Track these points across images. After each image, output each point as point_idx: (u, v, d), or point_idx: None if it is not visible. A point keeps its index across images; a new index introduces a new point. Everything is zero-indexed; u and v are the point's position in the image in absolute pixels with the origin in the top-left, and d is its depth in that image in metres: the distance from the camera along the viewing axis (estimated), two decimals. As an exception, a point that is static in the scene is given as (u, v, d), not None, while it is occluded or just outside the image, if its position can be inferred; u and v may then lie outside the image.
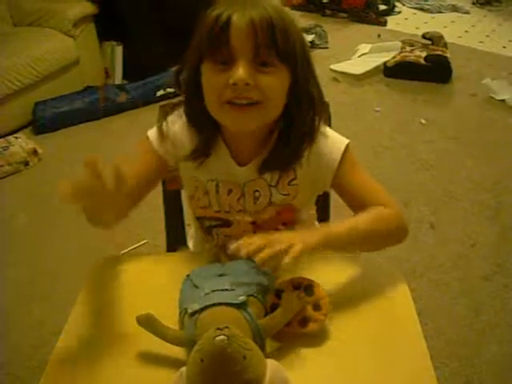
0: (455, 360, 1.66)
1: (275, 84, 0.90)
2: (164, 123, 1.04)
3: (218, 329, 0.70)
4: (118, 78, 3.50)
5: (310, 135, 0.99)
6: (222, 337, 0.69)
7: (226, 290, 0.83)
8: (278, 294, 0.87)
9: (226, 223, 1.09)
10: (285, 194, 1.04)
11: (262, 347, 0.80)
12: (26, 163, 2.75)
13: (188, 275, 0.91)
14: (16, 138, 2.83)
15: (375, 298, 0.95)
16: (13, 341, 1.79)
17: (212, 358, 0.69)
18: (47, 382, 0.82)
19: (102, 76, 3.47)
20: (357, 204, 1.01)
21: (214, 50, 0.89)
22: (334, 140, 1.03)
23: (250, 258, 0.91)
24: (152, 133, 1.06)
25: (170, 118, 1.05)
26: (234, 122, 0.94)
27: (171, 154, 1.04)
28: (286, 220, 1.09)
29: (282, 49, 0.88)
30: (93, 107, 3.12)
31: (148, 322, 0.82)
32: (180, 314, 0.87)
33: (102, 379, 0.82)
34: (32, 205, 2.49)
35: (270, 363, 0.74)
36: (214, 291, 0.83)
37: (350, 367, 0.82)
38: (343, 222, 0.95)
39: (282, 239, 0.84)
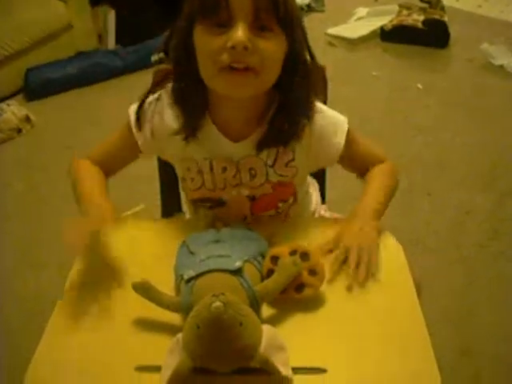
0: (450, 327, 1.67)
1: (273, 50, 0.88)
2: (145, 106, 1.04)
3: (214, 295, 0.70)
4: (110, 43, 3.44)
5: (307, 106, 0.97)
6: (217, 303, 0.69)
7: (222, 256, 0.83)
8: (274, 260, 0.87)
9: (221, 203, 1.06)
10: (282, 175, 1.02)
11: (258, 313, 0.80)
12: (19, 130, 2.72)
13: (184, 241, 0.91)
14: (8, 105, 2.80)
15: (371, 264, 0.94)
16: (9, 309, 1.80)
17: (208, 324, 0.70)
18: (43, 350, 0.82)
19: (94, 41, 3.41)
20: (359, 169, 1.11)
21: (210, 11, 0.85)
22: (334, 120, 1.03)
23: (244, 224, 0.92)
24: (132, 114, 1.05)
25: (149, 101, 1.04)
26: (229, 87, 0.90)
27: (148, 145, 1.04)
28: (285, 197, 1.08)
29: (282, 13, 0.85)
30: (85, 73, 3.07)
31: (144, 289, 0.82)
32: (176, 280, 0.87)
33: (98, 346, 0.82)
34: (26, 172, 2.47)
35: (266, 329, 0.75)
36: (209, 257, 0.83)
37: (345, 333, 0.83)
38: (367, 194, 1.03)
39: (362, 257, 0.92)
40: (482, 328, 1.67)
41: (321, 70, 1.13)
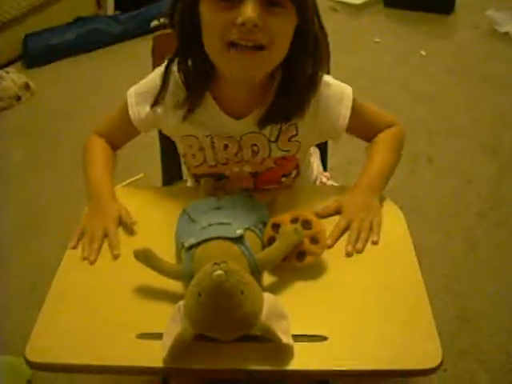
0: (450, 294, 1.68)
1: (284, 27, 0.85)
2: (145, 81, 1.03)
3: (216, 263, 0.70)
4: (109, 9, 3.39)
5: (314, 82, 0.95)
6: (219, 272, 0.69)
7: (223, 223, 0.83)
8: (276, 227, 0.87)
9: (223, 178, 1.06)
10: (285, 150, 1.01)
11: (259, 281, 0.80)
12: (19, 98, 2.70)
13: (184, 209, 0.91)
14: (7, 72, 2.77)
15: (372, 230, 0.94)
16: (12, 277, 1.81)
17: (209, 292, 0.70)
18: (44, 317, 0.82)
19: (93, 6, 3.36)
20: (367, 135, 1.10)
21: None
22: (338, 91, 1.01)
23: (245, 191, 0.91)
24: (130, 96, 1.03)
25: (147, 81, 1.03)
26: (237, 67, 0.86)
27: (147, 121, 1.03)
28: (288, 171, 1.07)
29: None
30: (85, 39, 3.04)
31: (145, 257, 0.82)
32: (177, 247, 0.87)
33: (99, 314, 0.82)
34: (26, 141, 2.46)
35: (267, 297, 0.75)
36: (210, 225, 0.83)
37: (346, 300, 0.83)
38: (371, 166, 1.03)
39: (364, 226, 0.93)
40: (482, 296, 1.67)
41: (328, 50, 1.09)
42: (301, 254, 0.85)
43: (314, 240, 0.85)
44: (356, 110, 1.02)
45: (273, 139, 0.99)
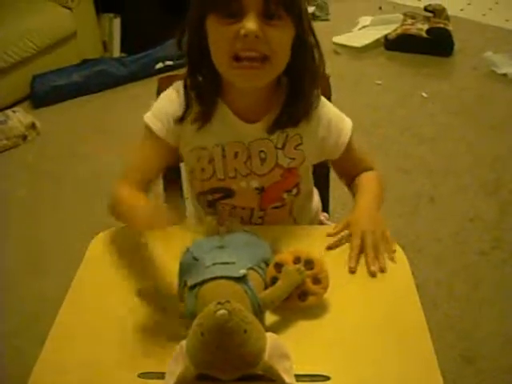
0: (452, 333, 1.67)
1: (282, 37, 0.92)
2: (158, 101, 1.07)
3: (219, 303, 0.70)
4: (116, 51, 3.46)
5: (315, 89, 1.03)
6: (222, 311, 0.69)
7: (227, 263, 0.83)
8: (278, 267, 0.87)
9: (230, 193, 1.08)
10: (291, 158, 1.06)
11: (262, 320, 0.80)
12: (25, 137, 2.74)
13: (187, 248, 0.91)
14: (14, 111, 2.81)
15: (374, 271, 0.95)
16: (13, 313, 1.81)
17: (213, 331, 0.69)
18: (47, 354, 0.82)
19: (99, 49, 3.43)
20: (348, 174, 1.17)
21: (222, 4, 0.89)
22: (340, 116, 1.09)
23: (247, 230, 0.92)
24: (148, 117, 1.05)
25: (163, 95, 1.07)
26: (243, 80, 0.95)
27: (172, 133, 1.05)
28: (290, 186, 1.10)
29: (289, 2, 0.90)
30: (91, 81, 3.09)
31: (148, 295, 0.83)
32: (179, 286, 0.87)
33: (101, 353, 0.82)
34: (31, 179, 2.49)
35: (270, 336, 0.75)
36: (214, 264, 0.83)
37: (349, 339, 0.83)
38: (364, 197, 1.09)
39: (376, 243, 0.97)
40: (485, 336, 1.66)
41: (325, 79, 1.16)
42: (303, 294, 0.85)
43: (317, 280, 0.85)
44: (349, 143, 1.09)
45: (279, 146, 1.04)
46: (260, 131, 1.03)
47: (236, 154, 1.04)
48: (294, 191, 1.12)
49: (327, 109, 1.07)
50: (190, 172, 1.11)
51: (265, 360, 0.71)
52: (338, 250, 0.99)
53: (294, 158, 1.06)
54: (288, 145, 1.04)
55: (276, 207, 1.11)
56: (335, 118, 1.08)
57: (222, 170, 1.05)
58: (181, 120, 1.03)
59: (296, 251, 0.89)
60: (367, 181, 1.14)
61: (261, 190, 1.08)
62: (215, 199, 1.10)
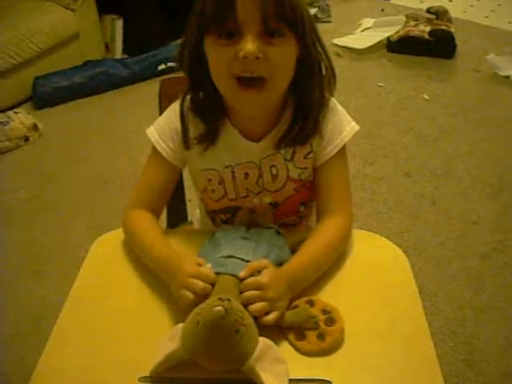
0: (454, 338, 1.67)
1: (284, 56, 0.87)
2: (163, 119, 1.03)
3: (220, 299, 0.73)
4: (118, 53, 3.46)
5: (322, 103, 0.97)
6: (220, 308, 0.71)
7: (242, 259, 0.85)
8: (307, 303, 0.86)
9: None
10: (302, 168, 1.02)
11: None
12: (27, 139, 2.74)
13: (214, 232, 0.94)
14: (16, 113, 2.81)
15: (376, 275, 0.95)
16: (13, 317, 1.81)
17: (206, 324, 0.73)
18: (47, 359, 0.82)
19: (102, 50, 3.44)
20: (320, 197, 1.03)
21: (218, 23, 0.84)
22: (347, 118, 1.02)
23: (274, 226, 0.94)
24: (154, 136, 1.02)
25: (165, 115, 1.03)
26: (246, 105, 0.91)
27: (179, 155, 1.02)
28: (304, 199, 1.08)
29: (290, 17, 0.84)
30: (93, 82, 3.09)
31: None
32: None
33: (101, 356, 0.82)
34: (32, 181, 2.49)
35: (263, 341, 0.76)
36: (230, 257, 0.86)
37: (351, 345, 0.82)
38: (298, 260, 0.91)
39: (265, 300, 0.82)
40: (487, 340, 1.66)
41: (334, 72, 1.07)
42: (302, 335, 0.83)
43: (322, 337, 0.82)
44: (341, 153, 1.01)
45: (288, 158, 1.00)
46: (268, 148, 0.99)
47: (246, 175, 1.01)
48: (311, 204, 1.10)
49: (335, 111, 1.01)
50: (203, 191, 1.08)
51: (250, 362, 0.73)
52: (342, 256, 0.98)
53: (305, 168, 1.02)
54: (297, 155, 1.00)
55: (293, 224, 1.09)
56: (341, 114, 1.02)
57: (233, 191, 1.03)
58: (185, 144, 1.00)
59: (333, 305, 0.86)
60: (322, 237, 0.96)
61: (274, 205, 1.05)
62: (228, 218, 1.08)
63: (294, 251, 0.93)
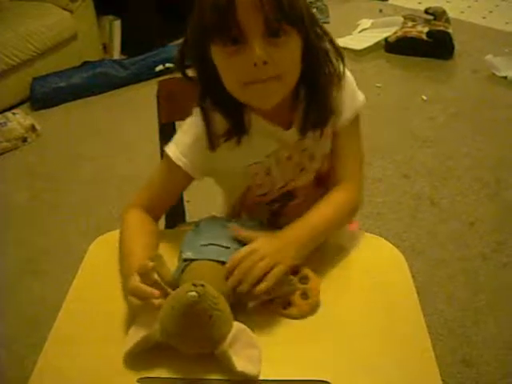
0: (453, 338, 1.67)
1: (291, 55, 0.89)
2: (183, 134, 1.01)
3: (194, 284, 0.75)
4: (116, 53, 3.47)
5: (334, 82, 1.00)
6: (193, 293, 0.73)
7: (222, 246, 0.87)
8: None
9: (291, 197, 1.07)
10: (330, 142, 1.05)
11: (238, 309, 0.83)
12: (24, 139, 2.74)
13: (198, 223, 0.96)
14: (14, 113, 2.81)
15: (374, 275, 0.94)
16: (12, 318, 1.80)
17: (180, 309, 0.75)
18: (46, 359, 0.82)
19: (100, 51, 3.44)
20: (334, 165, 1.06)
21: (222, 32, 0.85)
22: (356, 87, 1.06)
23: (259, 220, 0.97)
24: (173, 152, 0.99)
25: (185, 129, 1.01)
26: (258, 100, 0.92)
27: (201, 166, 1.00)
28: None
29: (290, 14, 0.85)
30: (91, 83, 3.09)
31: (156, 261, 0.86)
32: (179, 256, 0.90)
33: (100, 357, 0.82)
34: (31, 182, 2.49)
35: (237, 326, 0.78)
36: (210, 244, 0.87)
37: (349, 345, 0.83)
38: (305, 221, 0.94)
39: (265, 258, 0.84)
40: (486, 340, 1.66)
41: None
42: (288, 304, 0.87)
43: (305, 295, 0.87)
44: (355, 124, 1.05)
45: (317, 138, 1.02)
46: (297, 134, 1.01)
47: (289, 158, 1.02)
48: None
49: (349, 81, 1.04)
50: (247, 189, 1.06)
51: (223, 346, 0.76)
52: (338, 254, 0.98)
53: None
54: (325, 132, 1.02)
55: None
56: (352, 91, 1.05)
57: (280, 176, 1.04)
58: (212, 149, 0.98)
59: (299, 265, 0.90)
60: (329, 203, 1.00)
61: (318, 178, 1.08)
62: (278, 208, 1.08)
63: None
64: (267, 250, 0.86)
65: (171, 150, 0.99)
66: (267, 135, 0.99)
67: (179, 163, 0.98)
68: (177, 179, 1.02)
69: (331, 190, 1.03)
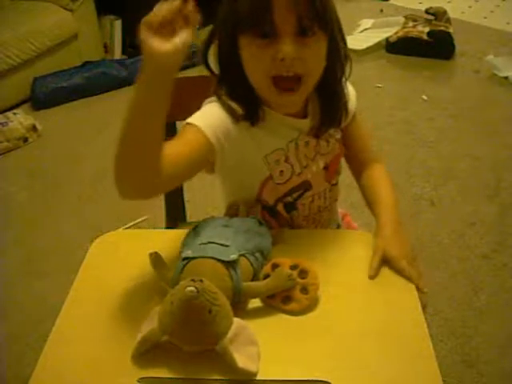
0: (453, 338, 1.66)
1: (318, 55, 0.93)
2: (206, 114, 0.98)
3: (192, 280, 0.75)
4: (117, 53, 3.47)
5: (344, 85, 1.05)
6: (192, 288, 0.74)
7: (222, 244, 0.87)
8: (274, 267, 0.89)
9: (308, 186, 1.08)
10: (342, 130, 1.11)
11: (239, 306, 0.84)
12: (25, 139, 2.74)
13: (196, 225, 0.96)
14: (15, 113, 2.81)
15: (374, 275, 0.95)
16: (13, 317, 1.80)
17: (180, 304, 0.75)
18: (46, 359, 0.82)
19: (100, 51, 3.44)
20: (355, 157, 1.16)
21: (255, 26, 0.88)
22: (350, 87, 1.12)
23: (258, 219, 0.96)
24: (197, 120, 0.94)
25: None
26: (281, 103, 0.97)
27: (223, 144, 0.95)
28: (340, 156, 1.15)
29: (322, 18, 0.89)
30: (92, 83, 3.09)
31: (155, 260, 0.88)
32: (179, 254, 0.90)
33: (101, 357, 0.82)
34: (31, 181, 2.49)
35: (237, 322, 0.78)
36: (210, 243, 0.87)
37: (349, 345, 0.82)
38: (383, 209, 1.05)
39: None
40: (487, 340, 1.66)
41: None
42: (287, 299, 0.87)
43: (305, 290, 0.87)
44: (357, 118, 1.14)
45: (331, 132, 1.08)
46: (311, 123, 1.04)
47: (307, 143, 1.05)
48: (337, 179, 1.15)
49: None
50: (267, 180, 1.04)
51: (224, 342, 0.75)
52: (338, 255, 0.99)
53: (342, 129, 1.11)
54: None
55: (335, 184, 1.15)
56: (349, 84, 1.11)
57: (298, 163, 1.05)
58: (237, 120, 0.96)
59: (298, 259, 0.90)
60: (380, 185, 1.12)
61: (327, 168, 1.10)
62: (296, 198, 1.08)
63: (274, 242, 0.96)
64: (398, 252, 0.95)
65: (198, 121, 0.93)
66: (286, 124, 1.02)
67: (211, 139, 0.92)
68: (200, 152, 0.92)
69: (369, 169, 1.15)
